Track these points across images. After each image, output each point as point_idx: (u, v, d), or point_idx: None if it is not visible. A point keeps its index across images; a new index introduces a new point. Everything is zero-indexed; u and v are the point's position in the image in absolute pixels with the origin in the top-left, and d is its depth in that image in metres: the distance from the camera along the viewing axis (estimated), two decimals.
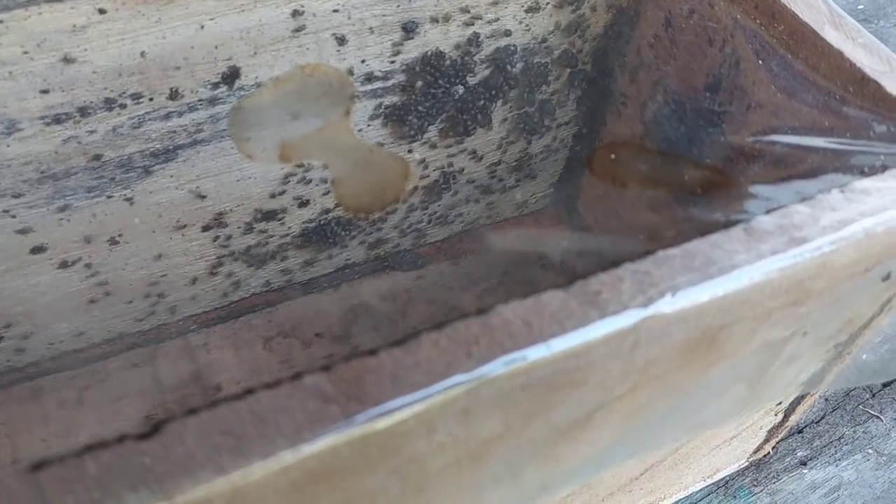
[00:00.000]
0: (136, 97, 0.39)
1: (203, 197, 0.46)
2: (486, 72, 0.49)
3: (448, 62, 0.47)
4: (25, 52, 0.35)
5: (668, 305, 0.27)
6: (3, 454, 0.46)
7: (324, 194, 0.50)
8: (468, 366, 0.24)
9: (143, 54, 0.38)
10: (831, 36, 0.38)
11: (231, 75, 0.41)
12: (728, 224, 0.29)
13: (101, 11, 0.35)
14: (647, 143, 0.39)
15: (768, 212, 0.30)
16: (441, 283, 0.57)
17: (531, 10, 0.47)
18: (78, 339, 0.50)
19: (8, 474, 0.21)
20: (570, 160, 0.59)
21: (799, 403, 0.49)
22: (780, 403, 0.48)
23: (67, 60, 0.36)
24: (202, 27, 0.38)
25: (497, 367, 0.24)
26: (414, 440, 0.24)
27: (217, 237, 0.49)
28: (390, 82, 0.46)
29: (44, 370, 0.50)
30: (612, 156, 0.39)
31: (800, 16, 0.39)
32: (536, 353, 0.25)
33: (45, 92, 0.37)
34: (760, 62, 0.40)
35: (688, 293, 0.27)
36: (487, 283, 0.57)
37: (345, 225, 0.53)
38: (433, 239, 0.59)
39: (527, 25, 0.48)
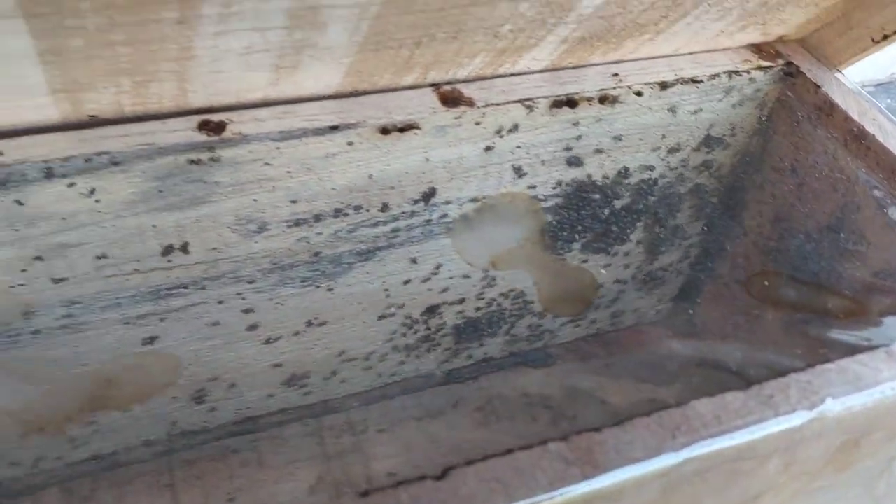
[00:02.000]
0: (357, 208, 0.48)
1: (386, 290, 0.54)
2: (630, 199, 0.57)
3: (599, 189, 0.55)
4: (288, 172, 0.44)
5: (828, 410, 0.33)
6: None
7: (476, 295, 0.58)
8: (674, 446, 0.31)
9: (370, 176, 0.47)
10: None
11: (429, 194, 0.49)
12: (871, 347, 0.36)
13: (350, 143, 0.44)
14: (777, 271, 0.46)
15: None
16: (569, 383, 0.64)
17: (672, 150, 0.55)
18: (262, 406, 0.57)
19: (343, 498, 0.28)
20: (690, 278, 0.66)
21: None
22: None
23: (317, 179, 0.45)
24: (418, 157, 0.47)
25: (696, 450, 0.31)
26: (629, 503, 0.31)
27: (389, 326, 0.57)
28: (550, 203, 0.54)
29: (230, 432, 0.57)
30: (766, 282, 0.46)
31: None
32: (724, 442, 0.32)
33: (294, 202, 0.46)
34: (879, 210, 0.47)
35: (842, 401, 0.34)
36: (608, 385, 0.63)
37: (488, 322, 0.61)
38: (562, 339, 0.66)
39: (668, 162, 0.56)
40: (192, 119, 0.42)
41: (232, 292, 0.49)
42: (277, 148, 0.43)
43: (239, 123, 0.42)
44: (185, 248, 0.45)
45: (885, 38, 0.49)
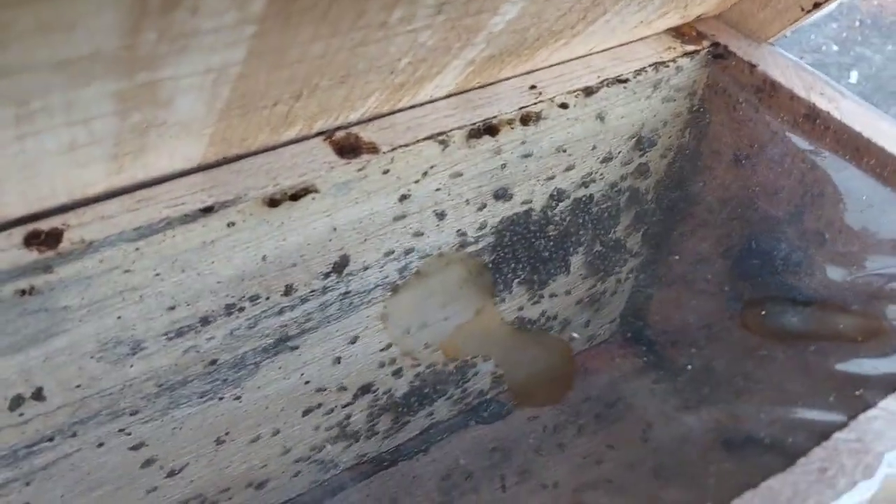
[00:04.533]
0: (254, 299, 0.39)
1: (307, 382, 0.45)
2: (566, 222, 0.50)
3: (533, 218, 0.48)
4: (157, 275, 0.35)
5: (889, 468, 0.27)
6: None
7: (414, 365, 0.49)
8: None
9: (264, 258, 0.37)
10: None
11: (341, 264, 0.41)
12: None
13: (230, 225, 0.35)
14: (771, 296, 0.40)
15: None
16: (528, 436, 0.56)
17: (605, 160, 0.48)
18: None
19: None
20: (634, 292, 0.60)
21: None
22: None
23: (195, 276, 0.36)
24: (320, 224, 0.38)
25: None
26: None
27: (317, 418, 0.48)
28: (481, 245, 0.46)
29: None
30: (763, 312, 0.40)
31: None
32: None
33: (171, 308, 0.36)
34: (850, 195, 0.42)
35: None
36: (568, 431, 0.56)
37: (432, 385, 0.52)
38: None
39: (602, 174, 0.49)
40: (13, 233, 0.31)
41: (112, 430, 0.39)
42: (137, 249, 0.33)
43: (79, 227, 0.32)
44: (38, 395, 0.35)
45: (817, 6, 0.44)
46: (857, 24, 1.23)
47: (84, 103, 0.25)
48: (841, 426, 0.28)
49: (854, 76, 1.02)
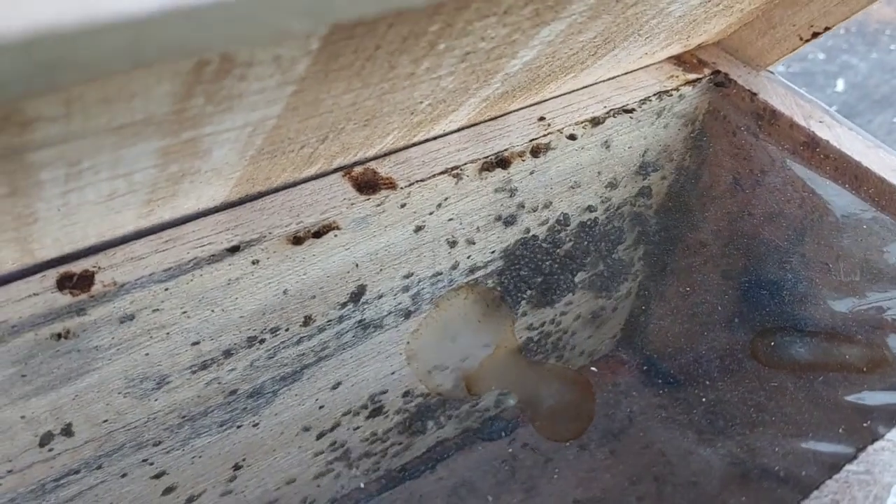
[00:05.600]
0: (274, 331, 0.40)
1: (321, 407, 0.46)
2: (571, 243, 0.51)
3: (540, 242, 0.49)
4: (184, 312, 0.35)
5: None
6: None
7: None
8: None
9: (285, 292, 0.38)
10: None
11: (358, 293, 0.42)
12: None
13: (255, 262, 0.36)
14: (779, 327, 0.41)
15: None
16: (534, 452, 0.57)
17: (609, 185, 0.50)
18: None
19: None
20: (634, 308, 0.61)
21: None
22: None
23: (220, 311, 0.37)
24: (340, 258, 0.39)
25: None
26: None
27: (329, 442, 0.48)
28: (490, 269, 0.47)
29: None
30: (772, 343, 0.41)
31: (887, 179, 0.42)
32: None
33: (195, 344, 0.37)
34: (850, 221, 0.43)
35: None
36: (573, 447, 0.57)
37: (441, 405, 0.53)
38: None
39: (606, 198, 0.50)
40: (47, 276, 0.32)
41: (135, 461, 0.39)
42: (166, 289, 0.34)
43: (110, 269, 0.33)
44: (67, 431, 0.35)
45: (815, 35, 0.45)
46: (843, 31, 1.25)
47: (129, 160, 0.25)
48: (851, 458, 0.29)
49: (840, 84, 1.04)
